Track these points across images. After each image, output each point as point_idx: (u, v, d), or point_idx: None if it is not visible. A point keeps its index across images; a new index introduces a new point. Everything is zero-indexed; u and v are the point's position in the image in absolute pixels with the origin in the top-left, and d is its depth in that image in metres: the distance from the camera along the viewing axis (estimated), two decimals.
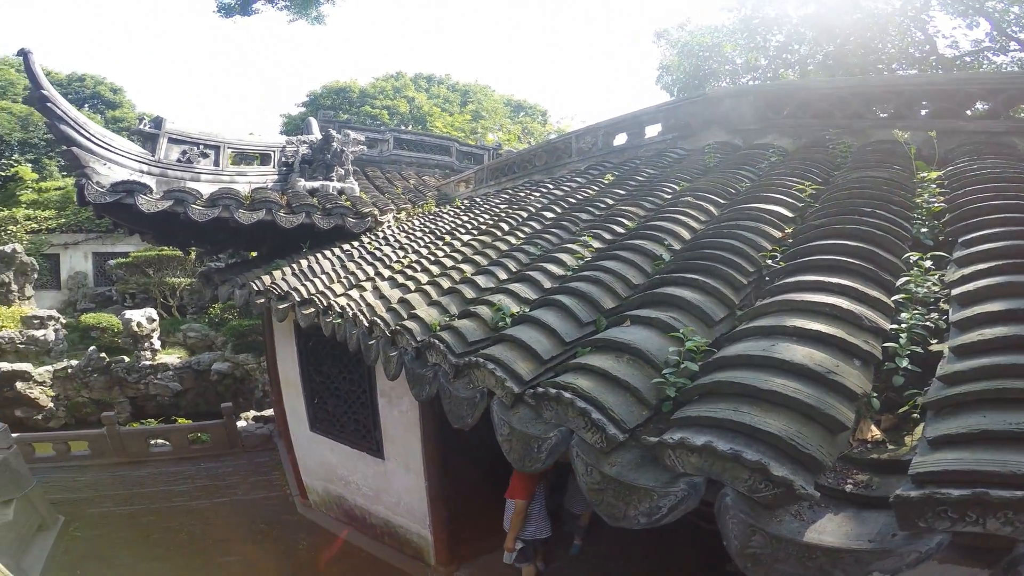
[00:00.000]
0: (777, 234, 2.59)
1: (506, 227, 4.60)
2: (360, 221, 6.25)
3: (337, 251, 5.86)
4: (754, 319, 1.84)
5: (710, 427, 1.43)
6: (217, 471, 8.63)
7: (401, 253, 5.27)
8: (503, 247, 4.00)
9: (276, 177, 6.95)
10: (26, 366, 12.54)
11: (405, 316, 3.38)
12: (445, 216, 6.75)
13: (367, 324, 3.68)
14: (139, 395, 13.45)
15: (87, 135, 4.48)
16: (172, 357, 14.17)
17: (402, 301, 3.67)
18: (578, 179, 5.59)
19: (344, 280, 4.88)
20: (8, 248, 15.97)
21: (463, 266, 3.86)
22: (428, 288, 3.70)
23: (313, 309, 4.58)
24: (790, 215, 2.81)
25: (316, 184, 6.91)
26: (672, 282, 2.19)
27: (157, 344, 14.09)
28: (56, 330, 13.98)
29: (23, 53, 4.09)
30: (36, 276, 16.66)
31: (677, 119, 5.89)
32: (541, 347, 2.17)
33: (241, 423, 10.54)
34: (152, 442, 9.24)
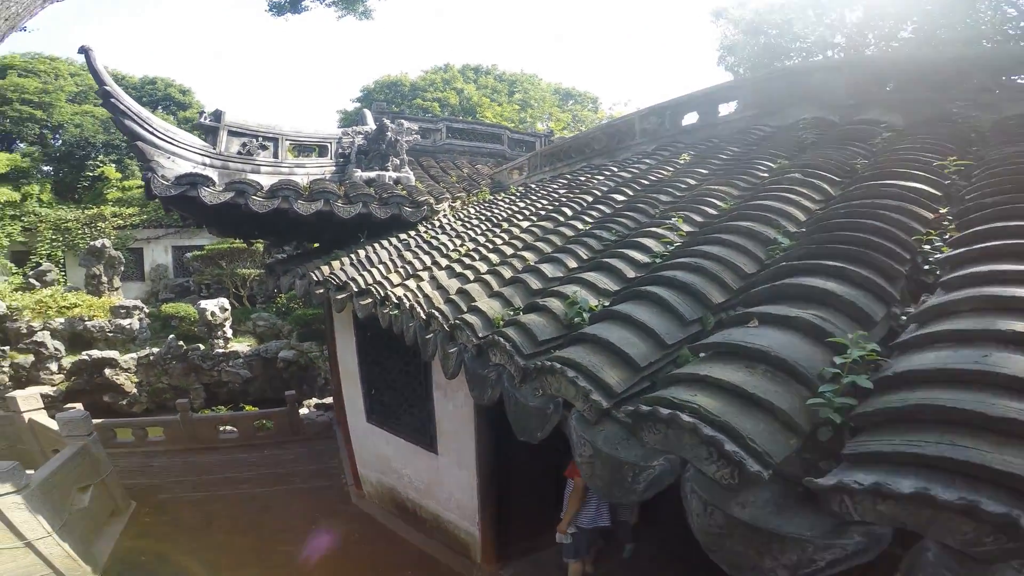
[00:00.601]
0: (929, 215, 2.05)
1: (569, 212, 4.19)
2: (416, 210, 6.01)
3: (394, 240, 5.65)
4: (939, 320, 1.36)
5: (916, 466, 1.00)
6: (279, 458, 8.81)
7: (458, 241, 4.98)
8: (569, 233, 3.60)
9: (334, 168, 6.84)
10: (113, 353, 13.36)
11: (465, 309, 3.06)
12: (500, 203, 6.41)
13: (424, 317, 3.40)
14: (212, 381, 14.06)
15: (151, 129, 4.45)
16: (242, 345, 14.72)
17: (461, 292, 3.36)
18: (647, 160, 5.07)
19: (401, 270, 4.64)
20: (98, 243, 17.13)
21: (525, 253, 3.49)
22: (488, 278, 3.36)
23: (370, 300, 4.39)
24: (938, 194, 2.24)
25: (372, 174, 6.75)
26: (808, 271, 1.72)
27: (229, 332, 14.66)
28: (140, 319, 14.83)
29: (84, 51, 4.06)
30: (123, 268, 17.79)
31: (757, 95, 5.26)
32: (635, 351, 1.76)
33: (303, 410, 10.74)
34: (221, 428, 9.52)
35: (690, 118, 6.03)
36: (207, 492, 7.35)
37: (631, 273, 2.42)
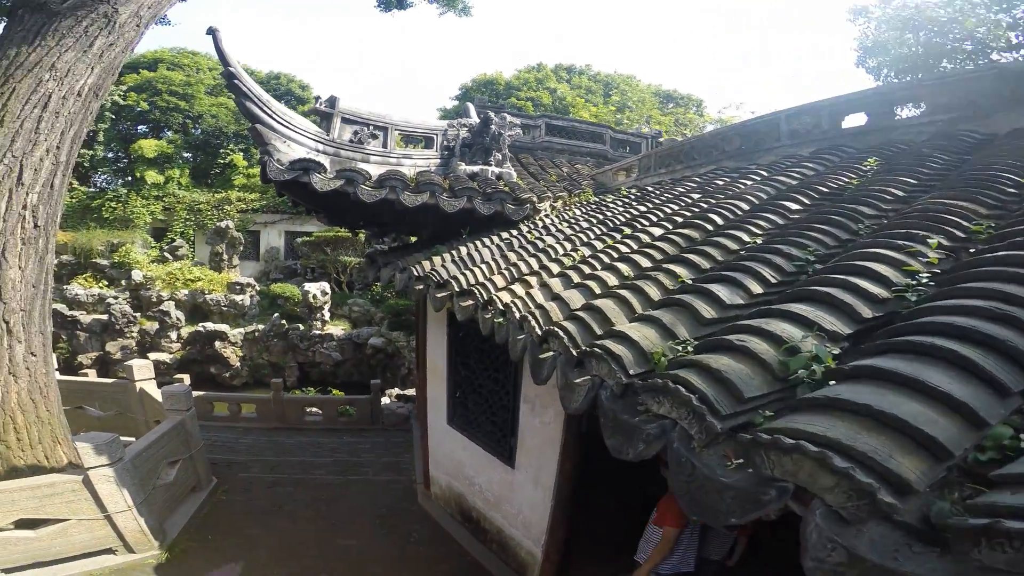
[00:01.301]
0: None
1: (721, 220, 3.43)
2: (519, 208, 5.51)
3: (496, 239, 5.19)
4: None
5: None
6: (355, 447, 8.80)
7: (568, 245, 4.39)
8: (732, 245, 2.86)
9: (438, 160, 6.53)
10: (224, 327, 14.36)
11: (599, 331, 2.45)
12: (612, 206, 5.73)
13: (540, 333, 2.84)
14: (307, 361, 14.72)
15: (270, 112, 4.33)
16: (337, 329, 15.25)
17: (589, 308, 2.75)
18: (809, 165, 4.16)
19: (506, 272, 4.14)
20: (223, 224, 18.68)
21: (673, 267, 2.81)
22: (626, 294, 2.71)
23: (472, 302, 3.95)
24: None
25: (476, 168, 6.35)
26: None
27: (327, 315, 15.28)
28: (251, 296, 15.89)
29: (211, 31, 3.99)
30: (241, 248, 19.30)
31: (953, 97, 4.18)
32: (946, 435, 1.06)
33: (384, 399, 10.77)
34: (308, 410, 9.75)
35: (853, 120, 5.01)
36: (284, 475, 7.38)
37: (866, 311, 1.68)
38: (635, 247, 3.62)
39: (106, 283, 16.41)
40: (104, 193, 20.91)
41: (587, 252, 3.92)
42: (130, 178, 21.74)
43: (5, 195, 5.23)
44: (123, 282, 15.82)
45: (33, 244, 5.52)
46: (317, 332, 14.70)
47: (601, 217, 5.05)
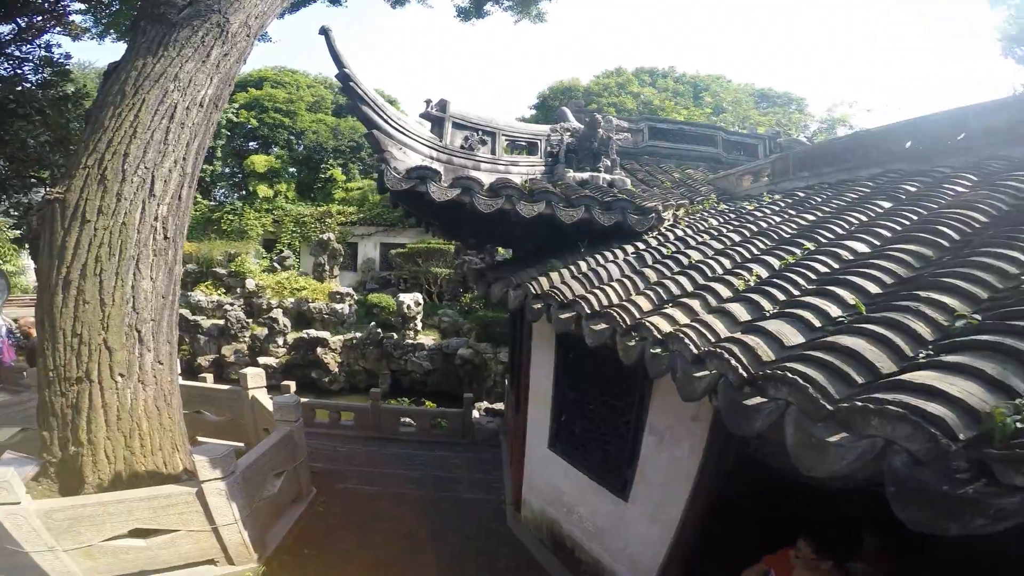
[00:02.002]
0: None
1: (956, 235, 2.52)
2: (643, 218, 4.79)
3: (620, 253, 4.52)
4: None
5: None
6: (447, 461, 8.57)
7: (726, 262, 3.61)
8: (1010, 269, 1.97)
9: (543, 168, 6.02)
10: (326, 334, 14.90)
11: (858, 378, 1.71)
12: (759, 215, 4.84)
13: (747, 375, 2.14)
14: (399, 369, 14.89)
15: (386, 118, 4.03)
16: (428, 339, 15.31)
17: (830, 348, 1.99)
18: None
19: (649, 293, 3.45)
20: (325, 236, 19.68)
21: (935, 296, 1.97)
22: (879, 330, 1.92)
23: (606, 326, 3.35)
24: None
25: (585, 175, 5.75)
26: None
27: (419, 325, 15.40)
28: (350, 305, 16.47)
29: (324, 31, 3.76)
30: (341, 259, 20.21)
31: None
32: None
33: (474, 413, 10.49)
34: (402, 420, 9.73)
35: None
36: (379, 487, 7.25)
37: None
38: (837, 266, 2.79)
39: (224, 290, 17.82)
40: (223, 206, 22.96)
41: (763, 272, 3.13)
42: (244, 192, 23.69)
43: (139, 207, 5.38)
44: (238, 290, 17.07)
45: (163, 255, 5.67)
46: (409, 341, 14.84)
47: (755, 228, 4.20)
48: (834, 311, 2.41)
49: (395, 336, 15.00)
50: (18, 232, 12.50)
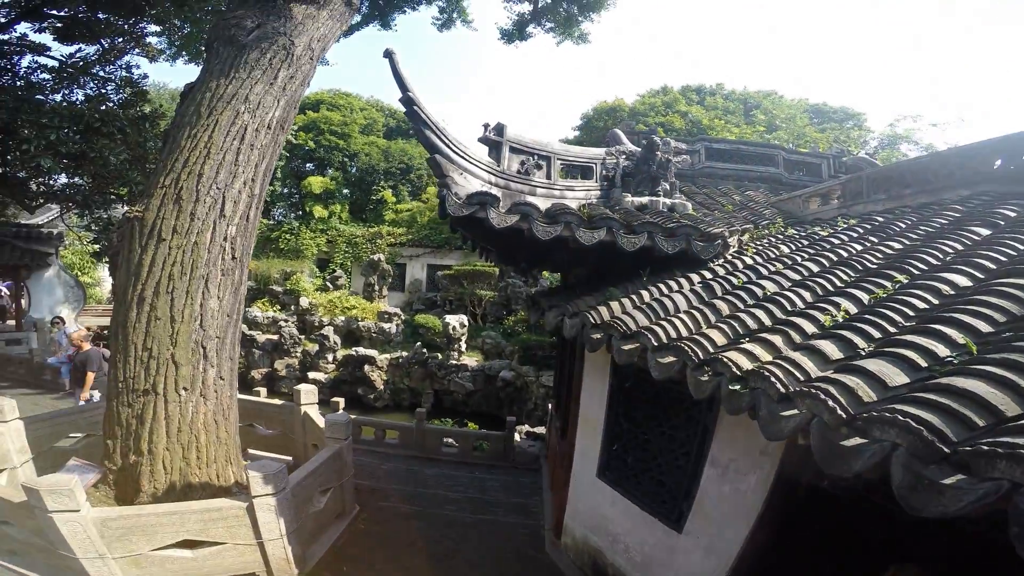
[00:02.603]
0: None
1: None
2: (708, 245, 4.55)
3: (686, 283, 4.29)
4: None
5: None
6: (486, 484, 8.47)
7: (806, 294, 3.33)
8: None
9: (599, 192, 5.89)
10: (373, 352, 15.16)
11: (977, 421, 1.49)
12: (835, 241, 4.50)
13: (845, 416, 1.92)
14: (442, 389, 14.92)
15: (447, 142, 4.03)
16: (471, 360, 15.32)
17: (947, 391, 1.75)
18: None
19: (723, 327, 3.22)
20: (375, 257, 20.22)
21: None
22: (1009, 376, 1.67)
23: (675, 359, 3.15)
24: None
25: (644, 200, 5.57)
26: None
27: (463, 347, 15.44)
28: (397, 324, 16.75)
29: (388, 55, 3.79)
30: (390, 280, 20.65)
31: None
32: None
33: (515, 436, 10.37)
34: (445, 441, 9.72)
35: None
36: (419, 507, 7.18)
37: None
38: (936, 301, 2.50)
39: (279, 307, 18.56)
40: (281, 225, 24.04)
41: (851, 307, 2.86)
42: (301, 212, 24.74)
43: (211, 227, 5.56)
44: (292, 307, 17.73)
45: (230, 275, 5.85)
46: (453, 362, 14.88)
47: (834, 257, 3.89)
48: (941, 351, 2.15)
49: (439, 356, 15.08)
50: (97, 247, 13.31)
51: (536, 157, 5.13)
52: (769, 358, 2.76)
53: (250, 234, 6.11)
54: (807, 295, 3.31)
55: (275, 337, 16.18)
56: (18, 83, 10.89)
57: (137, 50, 12.45)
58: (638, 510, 4.80)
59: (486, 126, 4.58)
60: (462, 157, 4.13)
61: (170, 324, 5.32)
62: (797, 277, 3.75)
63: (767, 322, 3.15)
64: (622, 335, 3.74)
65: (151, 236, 5.42)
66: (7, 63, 11.09)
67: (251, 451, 7.49)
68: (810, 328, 2.85)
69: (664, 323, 3.57)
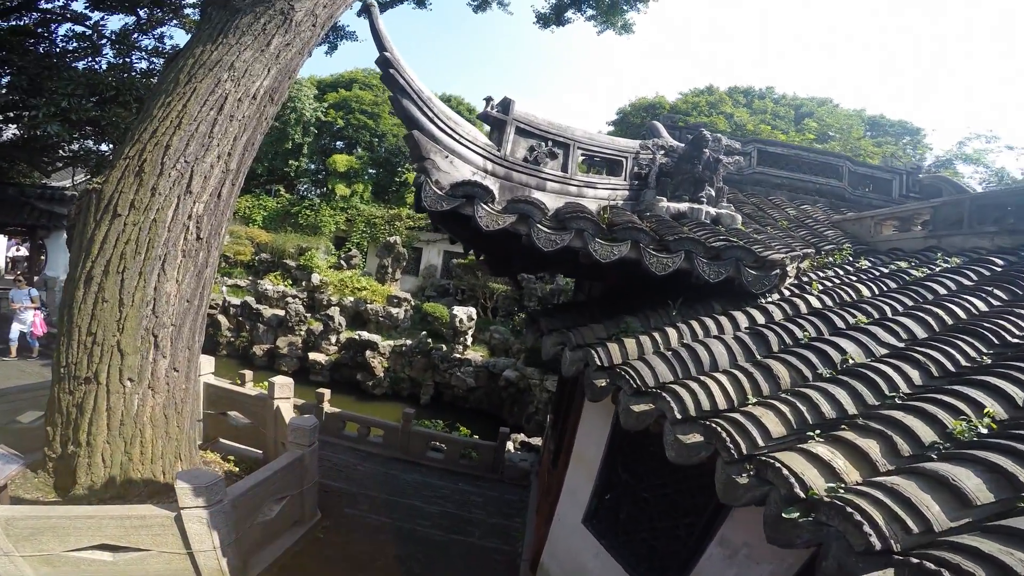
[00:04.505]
0: None
1: None
2: (763, 275, 3.46)
3: (728, 325, 3.24)
4: None
5: None
6: (468, 498, 7.88)
7: (912, 372, 2.28)
8: None
9: (627, 192, 4.83)
10: (377, 338, 14.46)
11: None
12: (935, 288, 3.37)
13: None
14: (443, 382, 14.17)
15: (431, 116, 3.07)
16: (476, 355, 14.50)
17: None
18: None
19: (781, 406, 2.20)
20: (392, 239, 19.48)
21: None
22: None
23: (702, 440, 2.29)
24: None
25: (683, 206, 4.51)
26: None
27: (469, 340, 14.63)
28: (406, 311, 16.00)
29: (367, 7, 2.85)
30: (405, 263, 19.90)
31: None
32: None
33: (508, 445, 9.66)
34: (431, 444, 9.11)
35: None
36: (389, 519, 6.54)
37: None
38: None
39: (291, 282, 18.02)
40: (302, 201, 23.51)
41: (995, 406, 1.80)
42: (324, 189, 24.19)
43: (173, 203, 4.89)
44: (304, 283, 17.16)
45: (193, 257, 5.12)
46: (457, 356, 14.11)
47: (943, 315, 2.78)
48: None
49: (444, 348, 14.29)
50: None
51: (550, 143, 4.11)
52: (856, 477, 1.76)
53: (221, 213, 5.35)
54: (913, 373, 2.25)
55: (281, 313, 15.64)
56: (55, 50, 10.71)
57: (175, 21, 12.02)
58: (621, 571, 4.09)
59: (488, 100, 3.59)
60: (450, 136, 3.15)
61: (118, 308, 4.72)
62: (892, 340, 2.68)
63: (850, 409, 2.12)
64: (634, 389, 2.76)
65: (106, 211, 4.80)
66: (45, 31, 10.90)
67: (222, 440, 7.09)
68: (926, 433, 1.81)
69: (694, 383, 2.58)
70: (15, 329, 9.23)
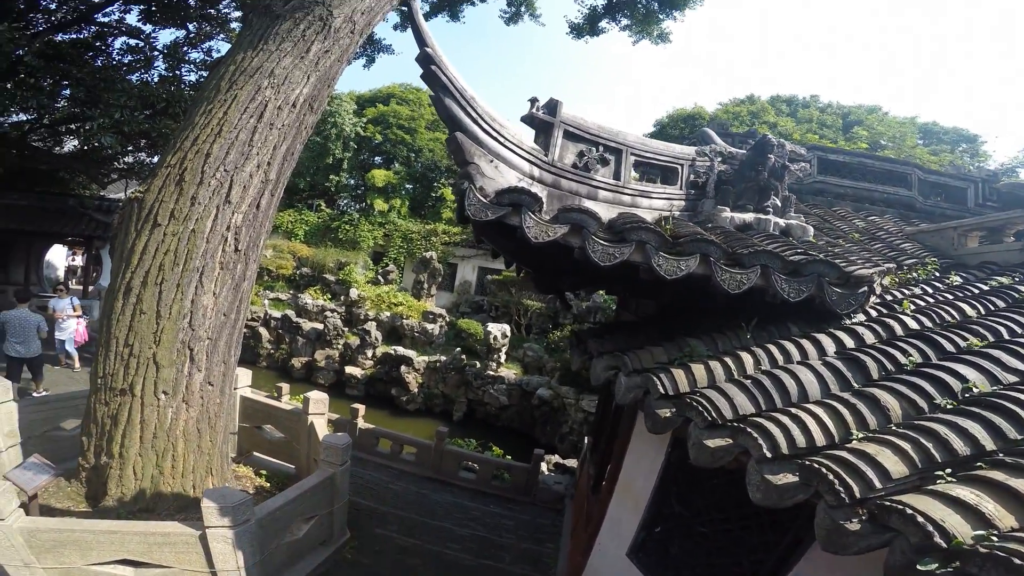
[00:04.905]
0: None
1: None
2: (849, 293, 3.02)
3: (812, 348, 2.82)
4: None
5: None
6: (499, 522, 7.53)
7: None
8: None
9: (683, 202, 4.46)
10: (412, 353, 14.34)
11: None
12: None
13: None
14: (475, 399, 13.89)
15: (475, 116, 2.83)
16: (509, 372, 14.18)
17: None
18: None
19: (897, 441, 1.81)
20: (428, 255, 19.49)
21: None
22: None
23: (796, 479, 1.88)
24: None
25: (747, 217, 4.10)
26: None
27: (503, 358, 14.34)
28: (441, 327, 15.87)
29: (407, 2, 2.64)
30: (440, 279, 19.82)
31: None
32: None
33: (541, 466, 9.22)
34: (463, 464, 8.86)
35: None
36: (419, 541, 6.28)
37: None
38: None
39: (330, 296, 18.24)
40: (342, 215, 23.90)
41: None
42: (363, 204, 24.55)
43: (212, 214, 4.82)
44: (342, 297, 17.32)
45: (231, 270, 5.05)
46: (491, 373, 13.82)
47: None
48: None
49: (477, 365, 14.02)
50: None
51: (601, 148, 3.81)
52: (1011, 523, 1.40)
53: (260, 224, 5.27)
54: None
55: (320, 326, 15.79)
56: (112, 63, 11.06)
57: (222, 35, 12.45)
58: None
59: (533, 101, 3.32)
60: (496, 139, 2.90)
61: (155, 320, 4.64)
62: (1021, 366, 2.20)
63: (987, 445, 1.73)
64: (708, 422, 2.38)
65: (147, 220, 4.77)
66: (102, 44, 11.30)
67: (256, 454, 6.99)
68: None
69: (783, 415, 2.18)
70: (58, 338, 9.45)
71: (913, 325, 2.91)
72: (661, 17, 12.01)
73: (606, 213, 3.45)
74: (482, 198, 2.75)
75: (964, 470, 1.73)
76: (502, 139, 2.93)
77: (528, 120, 3.34)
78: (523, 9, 12.28)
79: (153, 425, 4.65)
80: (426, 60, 2.70)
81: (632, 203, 3.89)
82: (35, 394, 7.90)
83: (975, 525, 1.48)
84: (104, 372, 4.64)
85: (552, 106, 3.39)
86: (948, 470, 1.75)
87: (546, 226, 2.67)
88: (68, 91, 10.06)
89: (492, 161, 2.84)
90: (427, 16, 10.66)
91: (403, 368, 14.07)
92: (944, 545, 1.44)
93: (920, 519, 1.50)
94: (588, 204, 3.39)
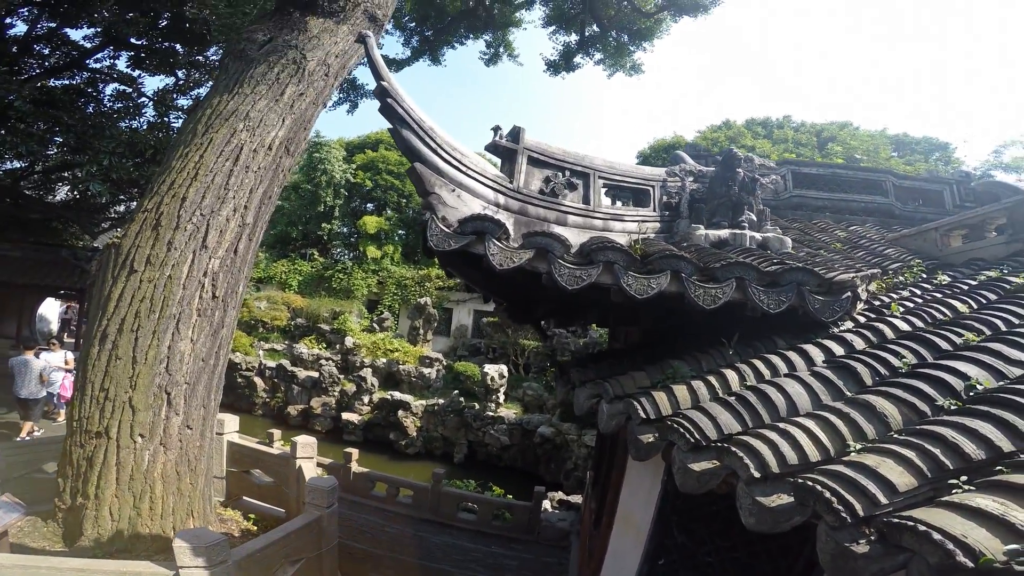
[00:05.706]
0: None
1: None
2: (831, 300, 2.90)
3: (799, 359, 2.68)
4: None
5: None
6: (502, 563, 7.25)
7: None
8: None
9: (658, 224, 4.40)
10: (409, 398, 14.02)
11: None
12: None
13: None
14: (476, 441, 13.54)
15: (434, 146, 2.79)
16: (509, 412, 13.87)
17: None
18: None
19: (902, 450, 1.64)
20: (423, 301, 19.38)
21: None
22: None
23: (792, 500, 1.74)
24: None
25: (723, 233, 4.03)
26: None
27: (501, 398, 14.07)
28: (438, 371, 15.63)
29: (362, 38, 2.67)
30: (436, 324, 19.59)
31: None
32: None
33: (544, 503, 8.90)
34: (462, 505, 8.49)
35: None
36: None
37: None
38: None
39: (325, 345, 17.99)
40: (335, 264, 23.84)
41: None
42: (356, 252, 24.52)
43: (188, 259, 4.76)
44: (337, 346, 17.09)
45: (208, 317, 4.94)
46: (490, 413, 13.51)
47: None
48: None
49: (476, 406, 13.70)
50: None
51: (567, 173, 3.77)
52: None
53: (238, 270, 5.19)
54: None
55: (315, 375, 15.49)
56: (102, 110, 11.03)
57: (211, 82, 12.56)
58: None
59: (496, 129, 3.30)
60: (457, 168, 2.85)
61: (131, 365, 4.55)
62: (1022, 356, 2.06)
63: (1004, 446, 1.56)
64: (692, 444, 2.20)
65: (123, 267, 4.72)
66: (94, 90, 11.34)
67: (245, 498, 6.83)
68: None
69: (771, 432, 2.02)
70: (47, 391, 9.26)
71: (904, 327, 2.78)
72: (632, 49, 12.44)
73: (576, 238, 3.37)
74: (444, 228, 2.67)
75: (982, 476, 1.56)
76: (463, 167, 2.88)
77: (492, 148, 3.32)
78: (502, 50, 12.72)
79: (130, 467, 4.54)
80: (383, 93, 2.69)
81: (604, 227, 3.83)
82: (24, 436, 8.30)
83: (1005, 539, 1.29)
84: (80, 415, 4.55)
85: (515, 133, 3.38)
86: (963, 478, 1.57)
87: (511, 252, 2.58)
88: (60, 138, 9.99)
89: (454, 190, 2.78)
90: (408, 61, 10.95)
91: (401, 412, 13.71)
92: (970, 564, 1.26)
93: (937, 536, 1.32)
94: (557, 229, 3.31)
